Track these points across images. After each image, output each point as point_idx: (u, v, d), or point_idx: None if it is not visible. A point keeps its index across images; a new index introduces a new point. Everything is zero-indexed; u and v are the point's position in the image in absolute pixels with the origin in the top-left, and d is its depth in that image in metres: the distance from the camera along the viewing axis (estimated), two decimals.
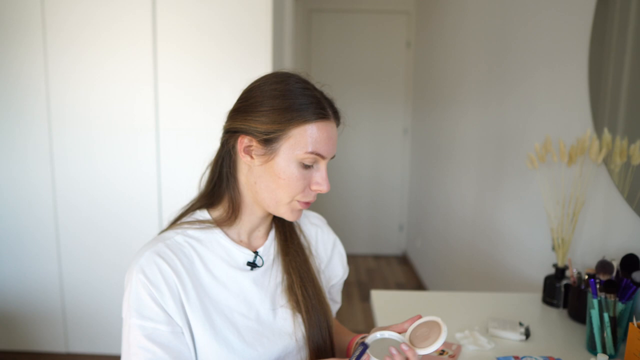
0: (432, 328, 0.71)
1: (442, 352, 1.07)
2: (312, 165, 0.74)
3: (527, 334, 1.16)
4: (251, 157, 0.74)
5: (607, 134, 1.28)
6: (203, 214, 0.80)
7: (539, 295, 1.44)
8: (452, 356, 1.05)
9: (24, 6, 2.14)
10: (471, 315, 1.27)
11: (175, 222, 0.81)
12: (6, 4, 2.14)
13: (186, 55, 2.20)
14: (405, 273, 3.83)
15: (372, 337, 0.75)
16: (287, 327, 0.80)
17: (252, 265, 0.80)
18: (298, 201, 0.76)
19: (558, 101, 1.60)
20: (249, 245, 0.82)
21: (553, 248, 1.41)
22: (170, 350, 0.69)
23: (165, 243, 0.74)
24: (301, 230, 0.91)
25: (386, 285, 3.62)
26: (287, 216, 0.77)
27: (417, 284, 3.55)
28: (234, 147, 0.76)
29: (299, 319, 0.81)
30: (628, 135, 1.21)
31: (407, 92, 4.08)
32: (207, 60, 2.21)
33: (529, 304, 1.38)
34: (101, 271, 2.31)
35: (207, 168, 0.83)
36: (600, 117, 1.34)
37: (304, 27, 4.02)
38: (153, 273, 0.70)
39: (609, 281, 1.04)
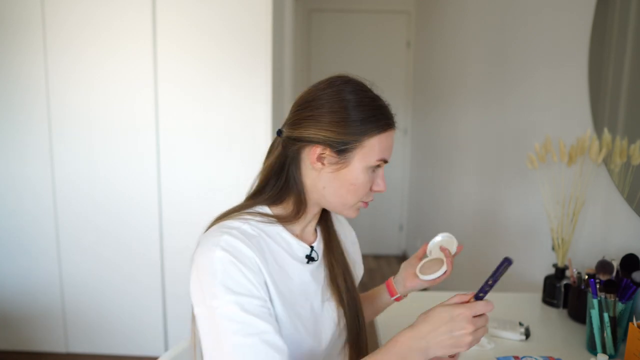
0: (436, 263, 0.92)
1: None
2: (375, 170, 0.80)
3: (527, 334, 1.16)
4: (322, 164, 0.77)
5: (607, 134, 1.28)
6: (264, 209, 0.81)
7: (539, 295, 1.44)
8: (452, 356, 1.05)
9: (24, 6, 2.14)
10: None
11: (229, 214, 0.80)
12: (6, 4, 2.14)
13: (186, 55, 2.20)
14: None
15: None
16: (332, 319, 0.84)
17: (310, 259, 0.83)
18: (362, 202, 0.81)
19: (558, 101, 1.60)
20: (303, 241, 0.84)
21: (553, 248, 1.41)
22: (268, 323, 0.68)
23: (238, 230, 0.74)
24: (343, 229, 0.98)
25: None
26: (349, 215, 0.83)
27: None
28: (299, 151, 0.78)
29: (341, 311, 0.85)
30: (628, 135, 1.21)
31: (407, 92, 4.08)
32: (207, 60, 2.21)
33: (529, 304, 1.38)
34: (101, 271, 2.31)
35: (263, 169, 0.84)
36: (600, 117, 1.34)
37: (304, 27, 4.02)
38: (237, 251, 0.70)
39: (608, 281, 1.04)
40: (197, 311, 0.70)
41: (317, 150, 0.76)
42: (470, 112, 2.50)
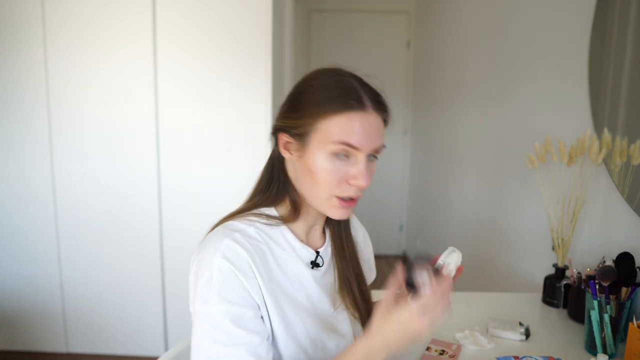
0: None
1: (442, 352, 1.07)
2: (348, 158, 0.71)
3: (527, 334, 1.16)
4: (290, 153, 0.75)
5: (607, 134, 1.28)
6: (270, 211, 0.80)
7: (539, 295, 1.44)
8: (452, 356, 1.05)
9: (24, 6, 2.14)
10: (471, 315, 1.27)
11: (235, 215, 0.79)
12: (6, 4, 2.14)
13: (186, 55, 2.20)
14: None
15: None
16: (343, 327, 0.81)
17: (314, 264, 0.81)
18: (336, 197, 0.73)
19: (558, 101, 1.60)
20: (308, 245, 0.82)
21: (553, 248, 1.41)
22: (257, 335, 0.68)
23: (241, 233, 0.73)
24: (354, 228, 0.93)
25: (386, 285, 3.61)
26: (332, 214, 0.75)
27: None
28: (277, 145, 0.78)
29: (355, 319, 0.83)
30: (628, 135, 1.21)
31: (407, 92, 4.08)
32: (207, 60, 2.21)
33: (529, 304, 1.38)
34: (101, 271, 2.31)
35: (262, 168, 0.84)
36: (600, 117, 1.34)
37: (304, 27, 4.02)
38: (236, 258, 0.69)
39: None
40: (191, 309, 0.71)
41: (283, 138, 0.75)
42: (470, 112, 2.50)
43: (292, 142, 0.74)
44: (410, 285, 0.66)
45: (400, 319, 0.63)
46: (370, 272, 0.96)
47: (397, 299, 0.66)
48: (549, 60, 1.66)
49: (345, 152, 0.71)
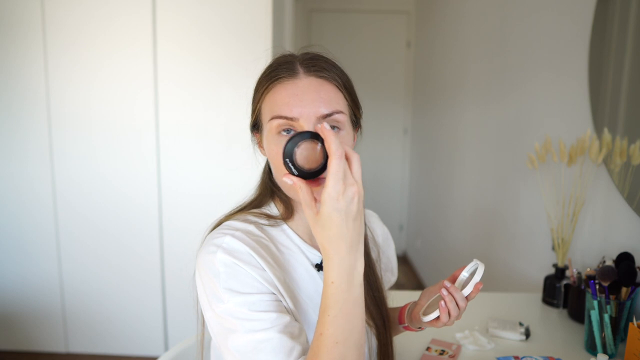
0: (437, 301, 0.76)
1: (442, 352, 1.07)
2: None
3: (527, 334, 1.16)
4: (260, 146, 0.74)
5: (607, 134, 1.28)
6: (270, 209, 0.77)
7: (539, 295, 1.44)
8: (452, 356, 1.05)
9: (24, 6, 2.14)
10: (471, 315, 1.27)
11: (234, 214, 0.76)
12: (6, 4, 2.14)
13: (186, 55, 2.20)
14: (405, 273, 3.82)
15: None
16: None
17: (320, 267, 0.76)
18: None
19: (558, 101, 1.60)
20: (313, 246, 0.77)
21: (553, 248, 1.41)
22: (282, 314, 0.64)
23: (242, 231, 0.70)
24: (371, 231, 0.87)
25: None
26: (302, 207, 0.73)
27: (417, 284, 3.55)
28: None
29: (367, 326, 0.77)
30: (628, 135, 1.21)
31: (407, 92, 4.08)
32: (207, 60, 2.21)
33: (529, 304, 1.38)
34: (101, 271, 2.31)
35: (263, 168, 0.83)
36: (600, 117, 1.34)
37: (304, 27, 4.02)
38: (238, 251, 0.66)
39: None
40: (206, 316, 0.67)
41: (256, 137, 0.75)
42: (471, 112, 2.50)
43: (257, 137, 0.74)
44: (292, 163, 0.56)
45: (328, 207, 0.52)
46: (390, 275, 0.92)
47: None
48: (549, 60, 1.66)
49: (286, 126, 0.64)
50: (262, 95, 0.69)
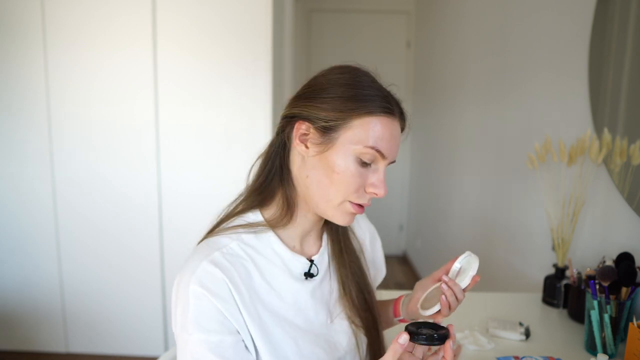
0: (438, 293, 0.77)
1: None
2: (370, 165, 0.68)
3: (527, 334, 1.16)
4: (306, 146, 0.68)
5: (607, 134, 1.28)
6: (256, 216, 0.74)
7: (539, 295, 1.44)
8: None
9: (24, 6, 2.14)
10: (471, 315, 1.27)
11: (222, 222, 0.75)
12: (6, 4, 2.14)
13: (186, 55, 2.20)
14: (405, 273, 3.82)
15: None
16: (343, 338, 0.77)
17: (309, 275, 0.75)
18: (350, 202, 0.69)
19: (558, 101, 1.60)
20: (302, 253, 0.76)
21: (553, 248, 1.41)
22: (240, 358, 0.65)
23: (221, 252, 0.68)
24: (353, 232, 0.87)
25: (386, 285, 3.62)
26: (338, 219, 0.70)
27: None
28: (289, 135, 0.71)
29: (356, 329, 0.78)
30: (628, 135, 1.21)
31: (407, 92, 4.08)
32: (207, 60, 2.21)
33: (529, 304, 1.38)
34: (101, 271, 2.31)
35: (257, 159, 0.76)
36: (600, 117, 1.34)
37: (304, 27, 4.02)
38: (211, 283, 0.65)
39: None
40: (174, 330, 0.68)
41: (302, 127, 0.68)
42: (471, 112, 2.50)
43: (314, 135, 0.68)
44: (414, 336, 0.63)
45: None
46: (378, 272, 0.92)
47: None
48: (549, 60, 1.66)
49: (372, 158, 0.67)
50: (364, 112, 0.66)
